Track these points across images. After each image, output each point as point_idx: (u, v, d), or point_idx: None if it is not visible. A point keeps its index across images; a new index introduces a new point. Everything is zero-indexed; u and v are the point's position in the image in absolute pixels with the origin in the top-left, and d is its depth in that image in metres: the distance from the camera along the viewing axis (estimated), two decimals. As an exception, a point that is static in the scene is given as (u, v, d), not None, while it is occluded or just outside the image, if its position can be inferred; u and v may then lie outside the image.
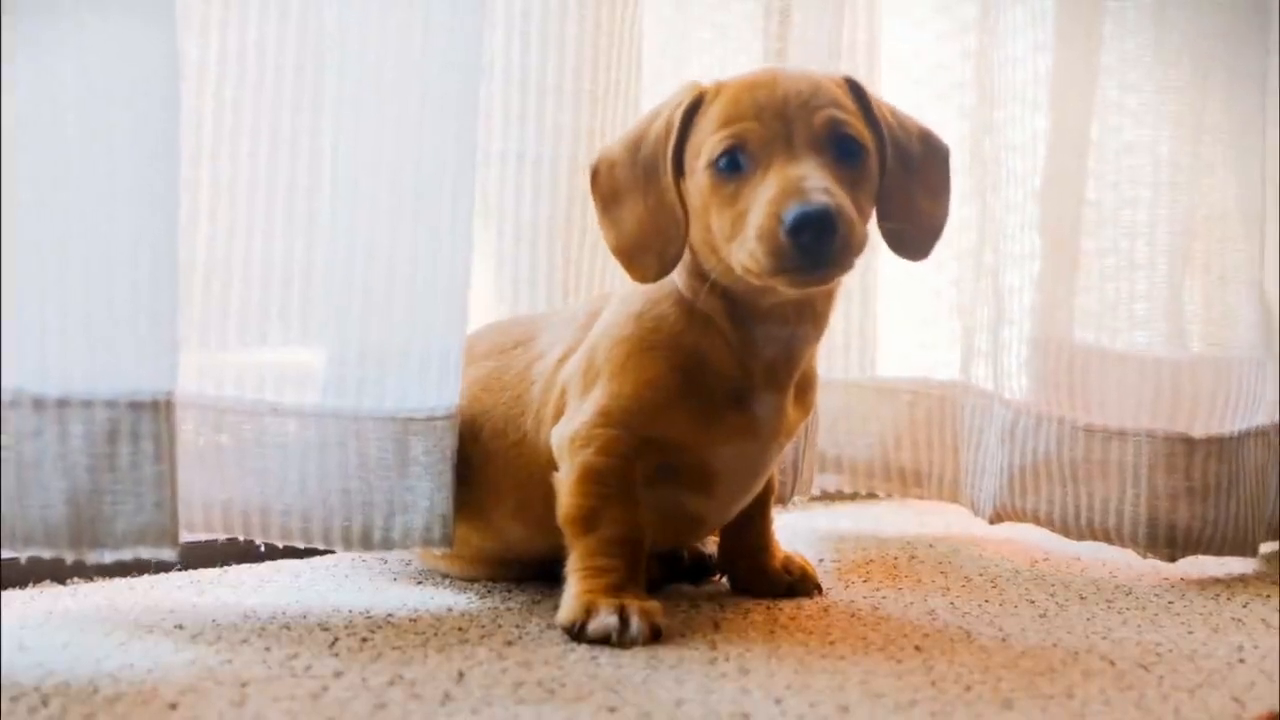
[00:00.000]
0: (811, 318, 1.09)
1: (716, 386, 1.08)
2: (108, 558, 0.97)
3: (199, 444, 1.11)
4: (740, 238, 1.00)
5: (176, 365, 1.00)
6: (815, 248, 0.96)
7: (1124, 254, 1.39)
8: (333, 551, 1.23)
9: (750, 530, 1.20)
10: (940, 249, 1.53)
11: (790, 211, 0.96)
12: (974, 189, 1.49)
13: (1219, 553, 1.36)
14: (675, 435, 1.07)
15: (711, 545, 1.26)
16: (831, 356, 1.55)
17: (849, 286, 1.55)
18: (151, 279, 0.98)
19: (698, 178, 1.04)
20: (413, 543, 1.13)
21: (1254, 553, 1.38)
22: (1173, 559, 1.35)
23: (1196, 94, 1.39)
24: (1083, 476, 1.37)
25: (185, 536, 1.17)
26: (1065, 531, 1.39)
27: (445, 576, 1.24)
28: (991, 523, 1.44)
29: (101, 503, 0.96)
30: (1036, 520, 1.40)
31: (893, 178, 1.07)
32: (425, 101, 1.10)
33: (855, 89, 1.08)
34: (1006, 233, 1.43)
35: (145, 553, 0.98)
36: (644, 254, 1.07)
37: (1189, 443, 1.34)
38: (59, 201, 0.96)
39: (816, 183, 0.98)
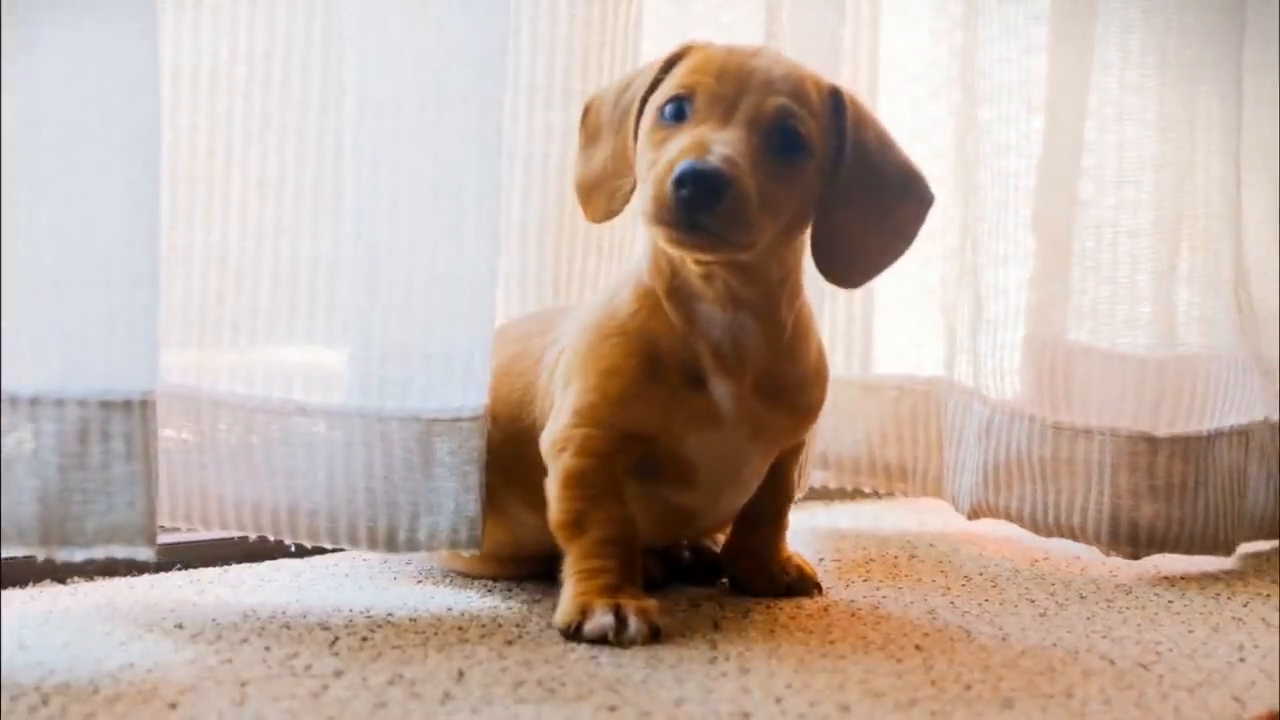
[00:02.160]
0: (748, 306, 1.07)
1: (672, 369, 1.07)
2: (78, 556, 0.97)
3: (230, 443, 1.11)
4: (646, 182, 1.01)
5: (155, 365, 1.00)
6: (694, 207, 0.96)
7: (1110, 253, 1.39)
8: (339, 550, 1.23)
9: (758, 532, 1.20)
10: (929, 246, 1.54)
11: (681, 164, 0.97)
12: (957, 188, 1.49)
13: (1187, 551, 1.36)
14: (643, 423, 1.07)
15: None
16: (837, 353, 1.55)
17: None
18: (128, 279, 0.98)
19: (646, 120, 1.06)
20: (439, 544, 1.13)
21: (1228, 552, 1.38)
22: (1135, 557, 1.35)
23: (1186, 93, 1.39)
24: (1051, 474, 1.37)
25: (216, 534, 1.19)
26: (1034, 528, 1.39)
27: (448, 574, 1.24)
28: (970, 519, 1.44)
29: (71, 501, 0.96)
30: (1009, 517, 1.41)
31: (848, 200, 1.06)
32: (446, 101, 1.10)
33: (836, 99, 1.07)
34: (987, 231, 1.43)
35: (119, 551, 0.97)
36: (597, 193, 1.10)
37: (1152, 441, 1.35)
38: (33, 200, 0.95)
39: (722, 149, 0.98)
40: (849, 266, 1.10)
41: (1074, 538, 1.37)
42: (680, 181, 0.96)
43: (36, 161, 0.95)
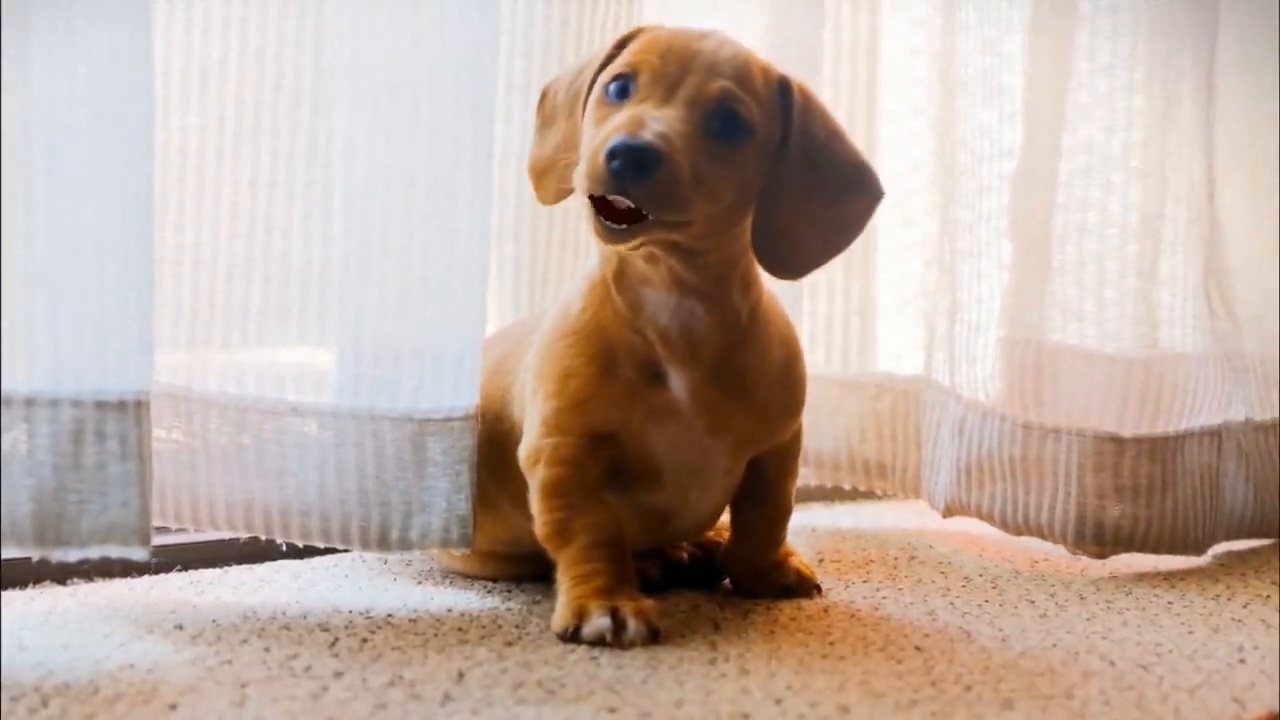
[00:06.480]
0: (696, 292, 1.06)
1: (627, 363, 1.07)
2: (73, 556, 0.97)
3: (222, 443, 1.11)
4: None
5: (150, 365, 1.00)
6: (623, 179, 0.95)
7: (1077, 254, 1.40)
8: (336, 551, 1.23)
9: (757, 535, 1.19)
10: (920, 249, 1.54)
11: (615, 138, 0.96)
12: (940, 192, 1.49)
13: (1155, 551, 1.37)
14: (605, 422, 1.07)
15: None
16: (818, 351, 1.55)
17: (843, 281, 1.55)
18: (123, 279, 0.98)
19: (591, 99, 1.05)
20: (431, 543, 1.13)
21: (1199, 552, 1.39)
22: (1102, 556, 1.37)
23: (1160, 93, 1.39)
24: (1020, 473, 1.39)
25: (215, 535, 1.19)
26: (1004, 527, 1.40)
27: (449, 574, 1.24)
28: (944, 516, 1.45)
29: (66, 501, 0.96)
30: (980, 515, 1.42)
31: (792, 188, 1.05)
32: (438, 101, 1.10)
33: (783, 86, 1.06)
34: (961, 232, 1.44)
35: (114, 551, 0.97)
36: (549, 175, 1.10)
37: (1118, 442, 1.36)
38: (28, 201, 0.95)
39: (659, 126, 0.97)
40: (787, 256, 1.08)
41: (1042, 536, 1.39)
42: (612, 154, 0.95)
43: (30, 162, 0.95)
